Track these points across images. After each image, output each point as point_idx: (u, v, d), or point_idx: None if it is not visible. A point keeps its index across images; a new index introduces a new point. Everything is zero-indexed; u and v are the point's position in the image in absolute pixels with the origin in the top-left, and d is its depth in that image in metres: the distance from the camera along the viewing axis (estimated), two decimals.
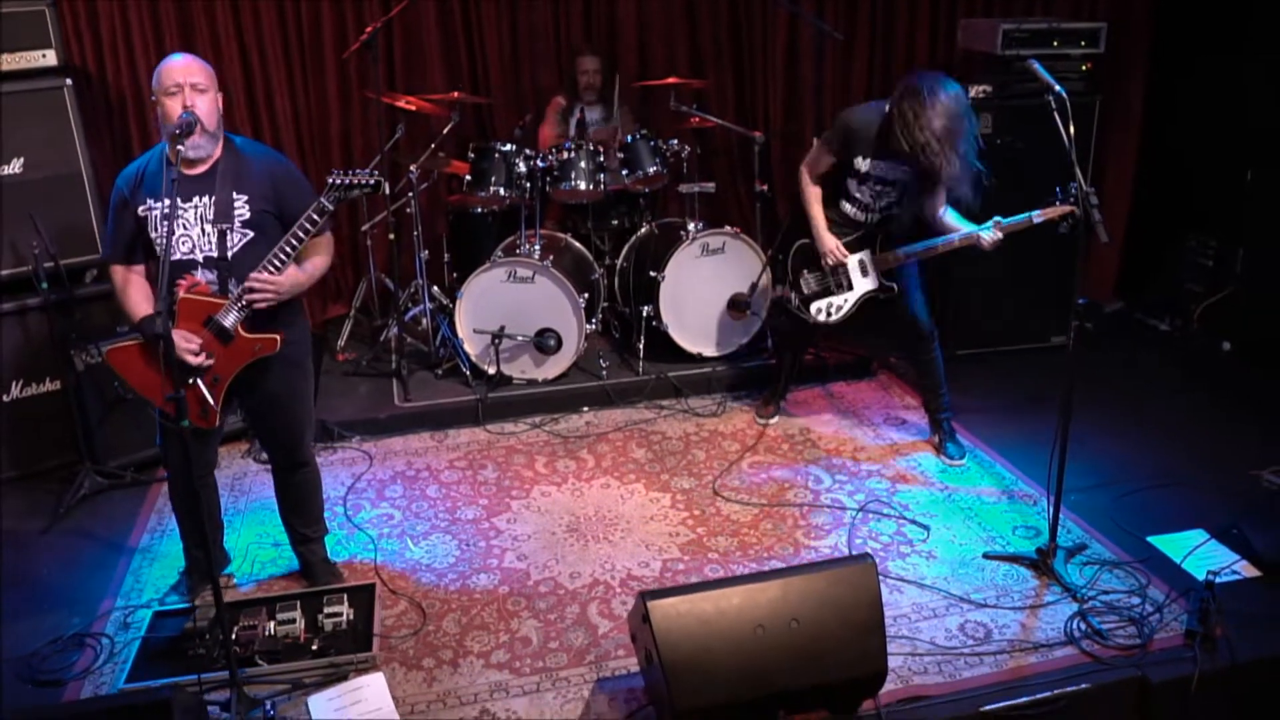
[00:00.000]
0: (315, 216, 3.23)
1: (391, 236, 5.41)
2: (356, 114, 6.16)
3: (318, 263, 3.45)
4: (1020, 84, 5.30)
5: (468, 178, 5.44)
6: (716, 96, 6.40)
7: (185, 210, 3.25)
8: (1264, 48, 5.59)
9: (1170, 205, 6.40)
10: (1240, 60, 5.75)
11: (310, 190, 3.42)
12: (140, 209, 3.28)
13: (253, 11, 5.82)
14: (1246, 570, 3.76)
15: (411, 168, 5.35)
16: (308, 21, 5.94)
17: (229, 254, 3.29)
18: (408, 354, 5.54)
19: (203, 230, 3.27)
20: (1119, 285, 6.66)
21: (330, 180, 3.27)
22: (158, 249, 3.29)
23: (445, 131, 5.54)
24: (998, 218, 4.21)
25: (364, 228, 5.82)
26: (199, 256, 3.29)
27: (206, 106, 3.22)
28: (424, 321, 5.64)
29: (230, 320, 3.27)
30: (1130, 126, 6.38)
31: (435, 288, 5.71)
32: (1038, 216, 4.06)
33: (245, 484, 4.62)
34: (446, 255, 5.89)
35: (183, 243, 3.26)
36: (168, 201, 3.08)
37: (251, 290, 3.24)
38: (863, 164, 4.35)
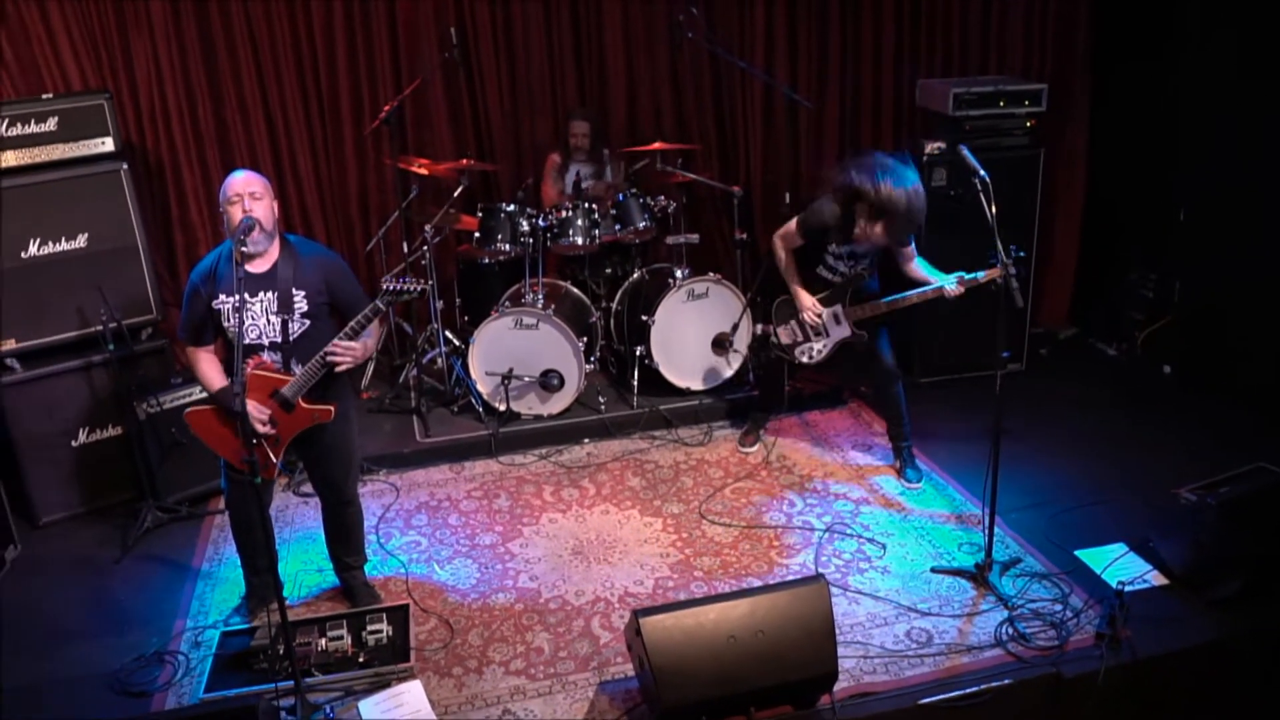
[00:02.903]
0: (369, 314, 3.83)
1: None
2: (372, 174, 6.68)
3: (373, 338, 4.09)
4: (970, 141, 5.83)
5: (476, 233, 5.99)
6: (701, 151, 6.90)
7: (253, 304, 3.86)
8: (1192, 101, 6.16)
9: (1115, 240, 6.99)
10: (1171, 111, 6.32)
11: (354, 279, 4.08)
12: (215, 303, 3.89)
13: (277, 82, 6.35)
14: (1156, 579, 4.32)
15: (426, 226, 5.89)
16: (327, 91, 6.46)
17: (291, 339, 3.91)
18: (426, 392, 6.13)
19: (268, 320, 3.89)
20: (1072, 313, 7.24)
21: (384, 286, 3.86)
22: (230, 334, 3.90)
23: (456, 195, 6.09)
24: (960, 272, 4.71)
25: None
26: (265, 341, 3.91)
27: (263, 211, 3.83)
28: (440, 362, 6.22)
29: (292, 393, 3.89)
30: (1075, 169, 6.94)
31: (448, 331, 6.28)
32: (983, 277, 4.60)
33: (288, 515, 5.20)
34: (458, 300, 6.47)
35: (251, 330, 3.88)
36: (226, 297, 3.76)
37: (334, 353, 3.83)
38: (837, 248, 4.95)
